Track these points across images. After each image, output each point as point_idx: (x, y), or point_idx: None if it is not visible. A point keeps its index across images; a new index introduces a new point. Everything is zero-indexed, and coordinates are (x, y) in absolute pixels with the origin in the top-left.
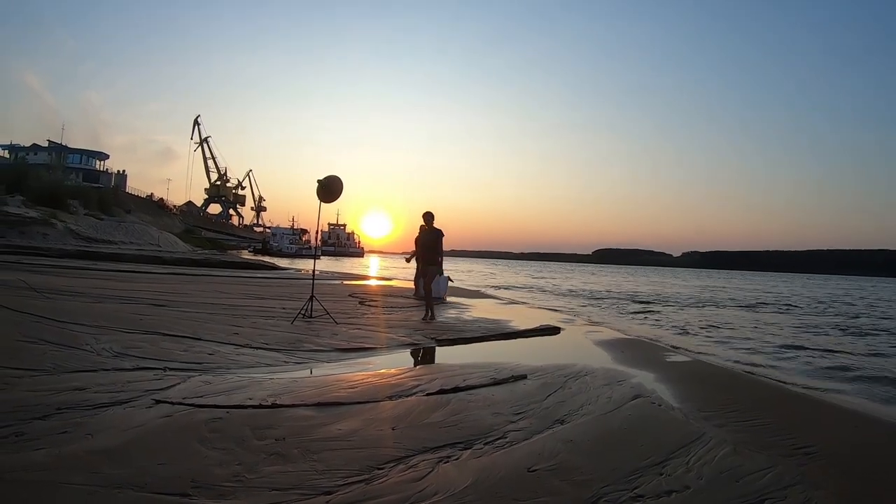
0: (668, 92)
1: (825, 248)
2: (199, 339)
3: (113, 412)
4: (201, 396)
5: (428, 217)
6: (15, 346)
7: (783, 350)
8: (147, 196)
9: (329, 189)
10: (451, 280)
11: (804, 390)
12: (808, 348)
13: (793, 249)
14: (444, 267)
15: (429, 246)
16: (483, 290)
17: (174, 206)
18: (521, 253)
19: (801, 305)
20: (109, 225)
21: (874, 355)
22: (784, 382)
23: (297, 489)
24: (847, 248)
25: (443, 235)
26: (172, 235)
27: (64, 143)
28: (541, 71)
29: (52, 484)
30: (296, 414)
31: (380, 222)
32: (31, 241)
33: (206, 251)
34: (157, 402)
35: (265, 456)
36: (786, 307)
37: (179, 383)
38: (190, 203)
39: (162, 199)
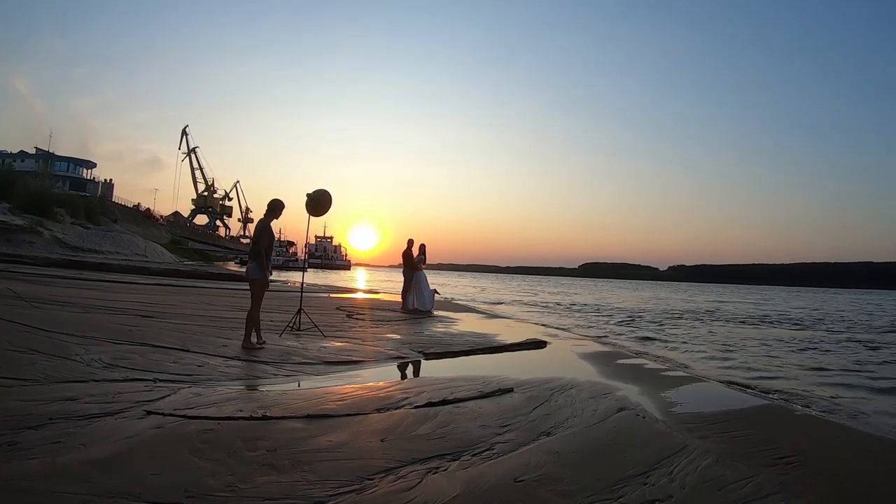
0: (654, 109)
1: (809, 261)
2: (188, 351)
3: (104, 423)
4: (192, 408)
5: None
6: (5, 355)
7: (767, 364)
8: (134, 206)
9: (318, 203)
10: (439, 293)
11: (785, 402)
12: (791, 361)
13: (778, 263)
14: (430, 280)
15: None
16: (470, 303)
17: (161, 216)
18: (508, 267)
19: (786, 320)
20: (96, 234)
21: (859, 371)
22: (766, 394)
23: (288, 499)
24: (831, 261)
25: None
26: (159, 246)
27: (51, 151)
28: (529, 87)
29: (47, 493)
30: (286, 426)
31: (367, 235)
32: (17, 249)
33: (193, 262)
34: (149, 413)
35: (257, 466)
36: (774, 321)
37: (170, 395)
38: (177, 213)
39: (149, 209)
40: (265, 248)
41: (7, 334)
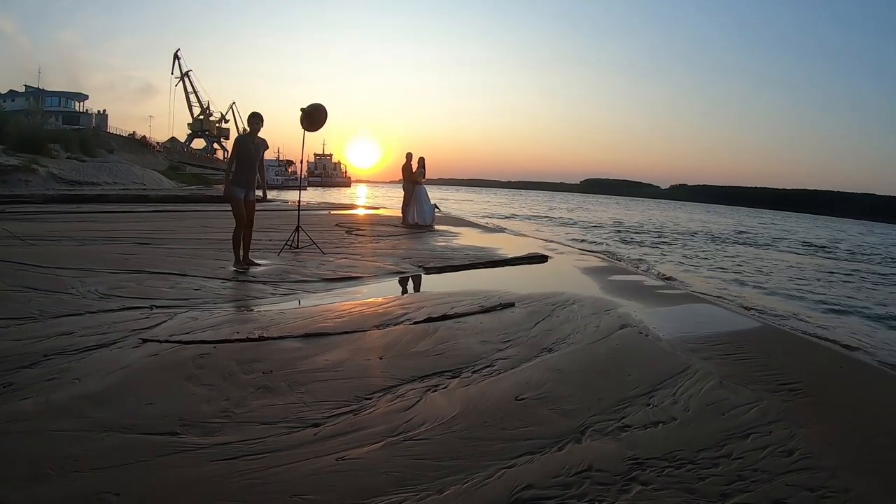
0: (663, 25)
1: (812, 188)
2: (186, 276)
3: (100, 354)
4: (188, 333)
5: (254, 121)
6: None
7: (775, 286)
8: (129, 135)
9: (313, 117)
10: (439, 208)
11: (791, 327)
12: (799, 286)
13: (781, 187)
14: (430, 195)
15: (255, 157)
16: (471, 218)
17: (157, 143)
18: (509, 181)
19: (798, 244)
20: (92, 166)
21: (868, 301)
22: (771, 317)
23: (284, 422)
24: (835, 190)
25: (236, 143)
26: (157, 173)
27: (41, 87)
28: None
29: (39, 432)
30: (283, 346)
31: (367, 152)
32: (13, 189)
33: (192, 187)
34: (144, 341)
35: (252, 390)
36: (786, 245)
37: (166, 321)
38: (173, 139)
39: (145, 137)
40: (232, 163)
41: (2, 274)
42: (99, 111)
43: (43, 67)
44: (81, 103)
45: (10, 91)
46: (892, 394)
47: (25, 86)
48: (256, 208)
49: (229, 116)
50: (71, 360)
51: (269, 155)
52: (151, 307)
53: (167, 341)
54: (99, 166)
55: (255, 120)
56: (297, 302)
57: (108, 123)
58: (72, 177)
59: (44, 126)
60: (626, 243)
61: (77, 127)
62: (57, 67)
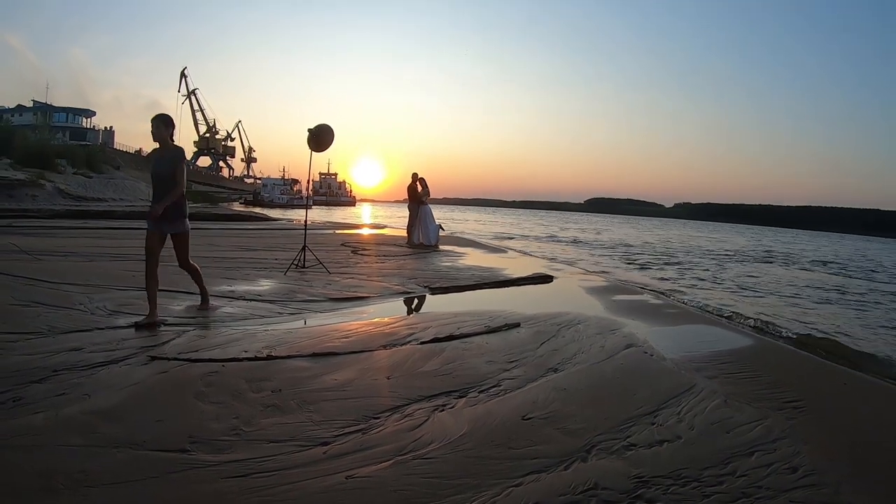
0: (665, 44)
1: (816, 205)
2: (193, 293)
3: (109, 371)
4: (196, 351)
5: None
6: (8, 310)
7: (778, 305)
8: (136, 151)
9: (320, 138)
10: (444, 228)
11: (795, 346)
12: (806, 304)
13: (786, 204)
14: (435, 215)
15: (163, 176)
16: (476, 238)
17: None
18: (514, 201)
19: (808, 262)
20: (99, 182)
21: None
22: (776, 336)
23: (294, 441)
24: (840, 206)
25: (182, 157)
26: None
27: (49, 103)
28: (537, 20)
29: (49, 447)
30: (291, 365)
31: (371, 171)
32: (20, 203)
33: (197, 204)
34: (153, 358)
35: (262, 408)
36: (792, 262)
37: (174, 338)
38: None
39: None
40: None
41: (11, 289)
42: (106, 127)
43: (51, 83)
44: (89, 119)
45: (18, 106)
46: (894, 409)
47: (33, 101)
48: (261, 228)
49: (235, 135)
50: (80, 375)
51: (274, 174)
52: (159, 324)
53: (176, 359)
54: (105, 182)
55: (155, 124)
56: (304, 321)
57: (115, 140)
58: (78, 192)
59: (51, 141)
60: (631, 263)
61: (84, 143)
62: (65, 83)
